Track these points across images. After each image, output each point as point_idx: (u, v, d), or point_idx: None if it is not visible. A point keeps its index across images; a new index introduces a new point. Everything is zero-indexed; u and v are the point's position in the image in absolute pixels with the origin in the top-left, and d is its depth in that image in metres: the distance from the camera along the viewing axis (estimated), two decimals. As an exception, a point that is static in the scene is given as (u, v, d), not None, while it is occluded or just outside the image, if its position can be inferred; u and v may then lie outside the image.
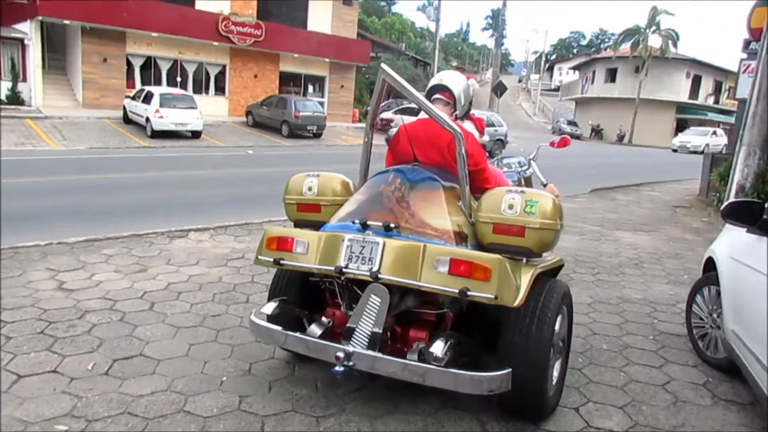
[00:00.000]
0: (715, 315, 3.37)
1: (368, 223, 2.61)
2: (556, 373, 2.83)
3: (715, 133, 33.85)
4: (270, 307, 2.78)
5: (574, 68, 53.90)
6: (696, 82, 42.04)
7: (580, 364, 3.38)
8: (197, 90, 23.67)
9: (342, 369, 2.44)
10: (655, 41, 39.47)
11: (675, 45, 39.65)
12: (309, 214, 3.11)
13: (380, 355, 2.43)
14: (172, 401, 2.79)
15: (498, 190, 2.63)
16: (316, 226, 2.93)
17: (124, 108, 19.28)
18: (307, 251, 2.68)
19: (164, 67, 23.18)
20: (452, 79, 3.04)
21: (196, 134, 17.97)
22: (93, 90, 21.38)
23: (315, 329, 2.76)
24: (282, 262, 2.74)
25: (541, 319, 2.49)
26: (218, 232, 6.33)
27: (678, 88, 41.11)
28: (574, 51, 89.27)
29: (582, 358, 3.48)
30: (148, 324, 3.72)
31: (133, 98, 18.87)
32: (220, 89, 24.79)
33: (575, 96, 49.40)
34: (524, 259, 2.54)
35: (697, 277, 3.98)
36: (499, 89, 27.38)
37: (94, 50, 21.15)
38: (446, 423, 2.70)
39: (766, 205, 2.74)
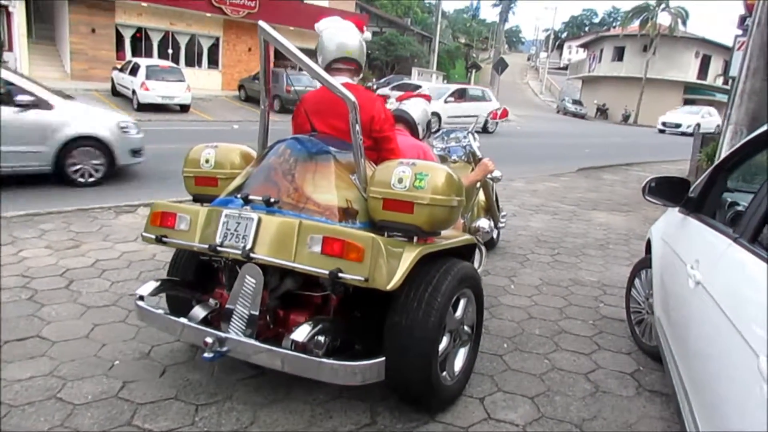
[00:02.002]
0: (650, 299, 3.12)
1: (250, 197, 2.39)
2: (460, 362, 2.61)
3: (708, 112, 30.90)
4: (147, 288, 2.57)
5: (582, 46, 52.84)
6: (705, 62, 41.02)
7: (504, 350, 3.16)
8: (190, 63, 23.32)
9: (211, 355, 2.24)
10: (664, 19, 38.47)
11: (684, 23, 38.63)
12: (207, 188, 2.88)
13: (244, 339, 2.24)
14: (48, 387, 2.61)
15: (390, 163, 2.38)
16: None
17: (112, 80, 18.97)
18: (189, 228, 2.47)
19: (155, 39, 22.77)
20: (352, 46, 2.73)
21: (184, 108, 17.62)
22: (81, 61, 21.03)
23: (199, 311, 2.55)
24: (164, 239, 2.52)
25: (430, 303, 2.25)
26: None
27: (686, 68, 40.18)
28: (586, 29, 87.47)
29: (509, 343, 3.26)
30: (58, 303, 3.52)
31: (120, 70, 18.49)
32: (213, 62, 24.39)
33: (582, 75, 48.48)
34: (414, 239, 2.30)
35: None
36: (500, 66, 26.77)
37: (82, 20, 20.73)
38: (336, 413, 2.49)
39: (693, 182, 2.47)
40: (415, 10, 54.62)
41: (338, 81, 2.58)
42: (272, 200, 2.33)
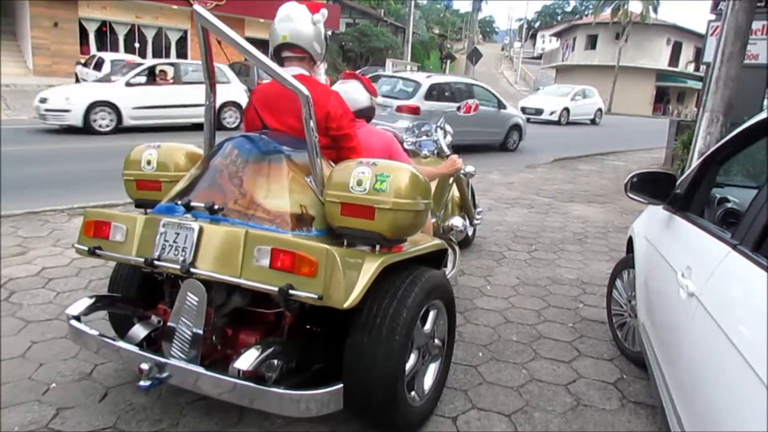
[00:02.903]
0: (633, 302, 2.94)
1: (192, 204, 2.12)
2: (430, 379, 2.39)
3: (582, 94, 23.60)
4: (80, 306, 2.29)
5: (555, 35, 52.97)
6: (676, 49, 41.40)
7: (480, 360, 2.95)
8: (157, 56, 22.62)
9: (148, 384, 1.98)
10: (635, 6, 38.68)
11: (656, 10, 38.86)
12: (149, 193, 2.58)
13: (185, 365, 1.98)
14: (-29, 418, 2.32)
15: (348, 163, 2.13)
16: None
17: (76, 75, 18.28)
18: (125, 239, 2.19)
19: (121, 33, 22.09)
20: (298, 32, 2.41)
21: (151, 103, 17.12)
22: (44, 56, 20.30)
23: (139, 331, 2.30)
24: (98, 251, 2.24)
25: (395, 319, 2.02)
26: (129, 209, 5.77)
27: (658, 56, 40.50)
28: (558, 18, 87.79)
29: (484, 351, 3.05)
30: (-5, 317, 3.21)
31: (84, 65, 17.85)
32: (181, 56, 23.66)
33: (556, 64, 48.59)
34: (377, 247, 2.06)
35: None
36: (474, 56, 26.59)
37: (43, 13, 19.98)
38: (294, 440, 2.26)
39: (679, 177, 2.28)
40: (389, 1, 54.16)
41: (290, 72, 2.33)
42: (216, 207, 2.07)
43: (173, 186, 2.41)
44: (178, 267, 1.99)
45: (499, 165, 9.76)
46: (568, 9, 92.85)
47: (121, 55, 18.92)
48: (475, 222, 4.79)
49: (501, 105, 12.22)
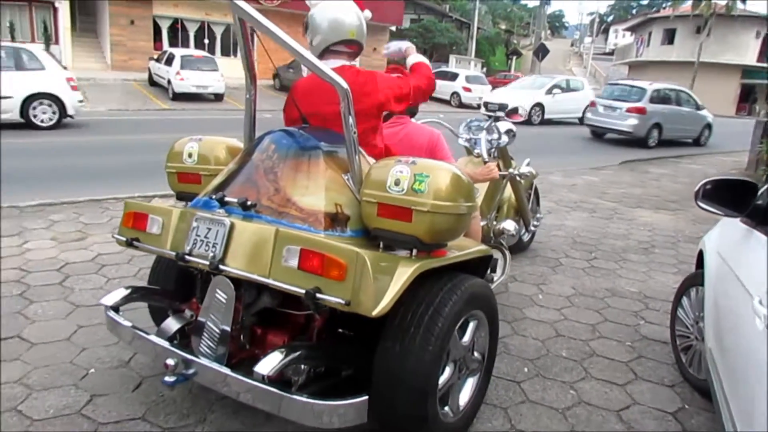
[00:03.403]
0: (701, 323, 2.66)
1: (226, 199, 2.06)
2: (466, 394, 2.24)
3: (564, 86, 19.25)
4: (114, 296, 2.28)
5: (629, 29, 50.62)
6: (766, 43, 38.51)
7: (524, 376, 2.76)
8: (225, 52, 23.29)
9: (173, 379, 1.94)
10: (720, -3, 36.33)
11: (743, 1, 36.30)
12: (190, 185, 2.56)
13: (210, 364, 1.93)
14: (12, 397, 2.39)
15: (387, 161, 2.01)
16: None
17: (149, 70, 19.09)
18: (161, 231, 2.17)
19: (192, 29, 22.87)
20: (362, 28, 2.37)
21: (218, 97, 17.59)
22: (121, 52, 21.32)
23: (171, 324, 2.27)
24: (135, 243, 2.23)
25: (429, 328, 1.88)
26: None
27: (744, 50, 37.72)
28: (633, 11, 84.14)
29: (530, 366, 2.85)
30: (47, 300, 3.32)
31: (157, 60, 18.62)
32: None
33: (629, 60, 46.46)
34: (413, 252, 1.93)
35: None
36: (540, 52, 25.81)
37: (121, 12, 20.99)
38: (321, 447, 2.15)
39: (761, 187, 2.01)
40: (454, -4, 53.55)
41: (333, 65, 2.24)
42: (249, 203, 2.00)
43: (212, 179, 2.37)
44: (207, 263, 1.93)
45: (563, 166, 9.36)
46: (644, 2, 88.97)
47: (191, 50, 19.58)
48: (532, 227, 4.57)
49: (698, 107, 15.03)
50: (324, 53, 2.35)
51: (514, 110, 3.77)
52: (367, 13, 2.42)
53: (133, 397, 2.44)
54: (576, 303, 3.74)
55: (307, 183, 2.03)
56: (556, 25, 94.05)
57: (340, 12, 2.33)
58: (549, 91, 18.69)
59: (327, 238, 1.88)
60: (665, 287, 4.14)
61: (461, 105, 22.99)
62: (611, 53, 61.09)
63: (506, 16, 67.54)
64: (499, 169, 3.70)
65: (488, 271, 3.25)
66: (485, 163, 3.08)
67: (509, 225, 3.57)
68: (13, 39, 19.99)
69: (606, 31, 79.72)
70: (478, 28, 34.30)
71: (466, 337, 2.15)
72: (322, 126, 2.28)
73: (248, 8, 1.99)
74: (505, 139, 3.59)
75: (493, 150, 3.65)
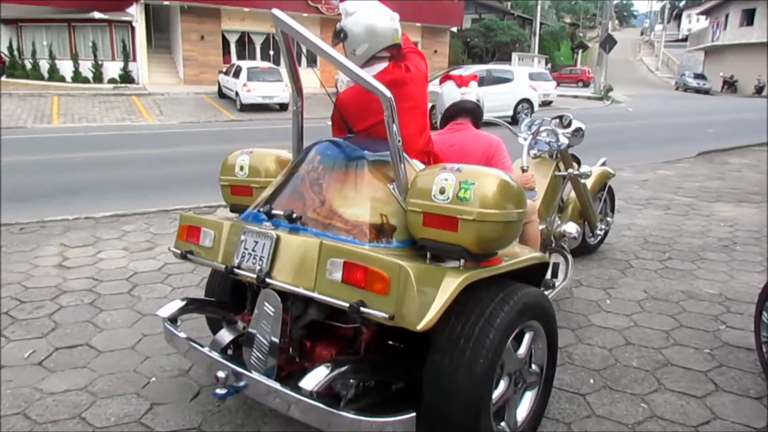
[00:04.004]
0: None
1: (273, 211, 2.07)
2: (525, 409, 2.12)
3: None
4: (171, 308, 2.33)
5: (704, 13, 47.76)
6: None
7: (590, 388, 2.59)
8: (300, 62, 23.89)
9: (224, 392, 1.95)
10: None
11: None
12: (242, 198, 2.61)
13: (260, 377, 1.93)
14: (77, 404, 2.49)
15: (432, 169, 1.95)
16: None
17: (219, 83, 19.86)
18: (213, 244, 2.20)
19: (258, 42, 23.71)
20: (393, 29, 2.31)
21: (283, 106, 18.05)
22: (193, 66, 22.34)
23: (224, 336, 2.30)
24: (189, 256, 2.28)
25: (480, 339, 1.79)
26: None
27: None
28: (709, -6, 79.69)
29: (596, 378, 2.68)
30: (116, 309, 3.47)
31: (225, 73, 19.37)
32: (312, 60, 24.40)
33: (704, 45, 43.88)
34: (460, 262, 1.85)
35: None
36: (607, 44, 24.84)
37: (192, 28, 22.05)
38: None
39: None
40: (516, -7, 52.51)
41: (378, 68, 2.21)
42: (295, 215, 1.99)
43: (262, 191, 2.39)
44: (255, 276, 1.94)
45: (633, 160, 8.92)
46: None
47: (257, 62, 20.21)
48: (599, 230, 4.34)
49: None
50: (368, 60, 2.31)
51: (565, 120, 3.57)
52: (395, 15, 2.36)
53: (191, 406, 2.48)
54: (648, 308, 3.51)
55: (352, 194, 2.00)
56: (624, 14, 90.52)
57: (381, 18, 2.27)
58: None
59: (372, 250, 1.83)
60: (749, 288, 3.81)
61: (525, 103, 22.46)
62: (685, 39, 58.01)
63: (571, 9, 65.50)
64: (559, 170, 3.54)
65: (549, 276, 3.10)
66: (523, 171, 2.92)
67: (570, 227, 3.40)
68: (95, 58, 21.47)
69: (678, 17, 75.90)
70: (541, 24, 33.43)
71: (522, 349, 2.03)
72: (367, 134, 2.24)
73: (290, 21, 1.99)
74: (563, 140, 3.42)
75: (548, 152, 3.50)
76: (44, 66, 21.64)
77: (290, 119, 2.56)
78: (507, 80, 16.07)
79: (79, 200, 6.42)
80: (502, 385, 1.96)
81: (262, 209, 2.12)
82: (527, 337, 2.05)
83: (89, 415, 2.40)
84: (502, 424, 2.01)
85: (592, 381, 2.65)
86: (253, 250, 2.00)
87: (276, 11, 2.03)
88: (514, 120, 14.08)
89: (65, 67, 21.65)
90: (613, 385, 2.62)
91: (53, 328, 3.18)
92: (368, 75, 1.99)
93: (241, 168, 2.60)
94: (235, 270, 2.03)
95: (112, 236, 4.92)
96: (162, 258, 4.40)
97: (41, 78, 21.32)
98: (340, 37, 2.30)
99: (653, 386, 2.62)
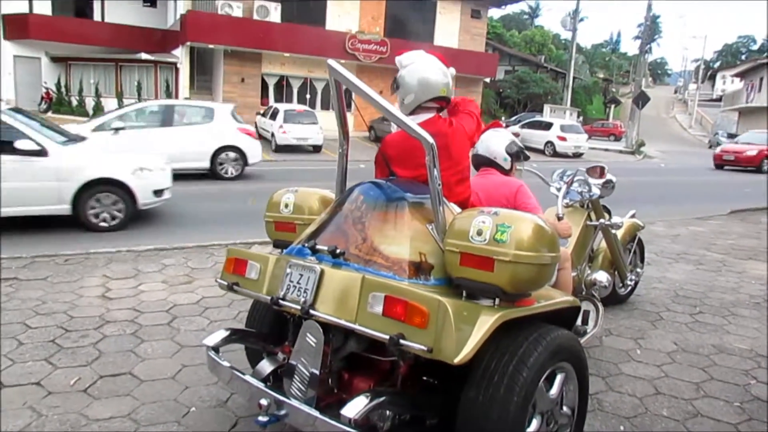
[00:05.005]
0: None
1: (317, 247, 2.20)
2: (554, 450, 2.17)
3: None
4: (215, 337, 2.45)
5: (738, 75, 47.94)
6: None
7: (619, 436, 2.62)
8: (325, 106, 24.56)
9: (266, 420, 2.05)
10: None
11: None
12: (286, 234, 2.75)
13: (302, 406, 2.01)
14: (121, 430, 2.58)
15: (470, 212, 2.08)
16: None
17: (255, 124, 20.46)
18: (258, 277, 2.34)
19: (295, 86, 24.44)
20: (450, 85, 2.51)
21: (316, 148, 18.52)
22: (234, 107, 23.10)
23: (265, 366, 2.41)
24: (235, 287, 2.42)
25: (514, 377, 1.88)
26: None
27: None
28: (743, 57, 79.89)
29: (626, 425, 2.70)
30: (156, 340, 3.59)
31: (263, 115, 20.02)
32: (347, 105, 25.45)
33: (739, 106, 43.81)
34: (495, 301, 1.95)
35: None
36: (640, 100, 25.06)
37: (234, 71, 22.92)
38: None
39: None
40: (550, 47, 53.48)
41: (422, 118, 2.37)
42: (338, 251, 2.13)
43: (306, 228, 2.53)
44: (299, 308, 2.05)
45: (665, 215, 8.90)
46: (754, 47, 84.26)
47: (294, 105, 20.87)
48: (629, 281, 4.39)
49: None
50: (415, 110, 2.49)
51: (598, 168, 3.69)
52: (452, 70, 2.53)
53: (228, 436, 2.57)
54: (678, 359, 3.51)
55: (393, 232, 2.13)
56: (658, 72, 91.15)
57: (430, 71, 2.46)
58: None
59: (411, 285, 1.94)
60: (781, 346, 3.79)
61: (555, 154, 22.61)
62: (719, 99, 57.94)
63: (604, 65, 66.37)
64: (590, 220, 3.63)
65: (580, 323, 3.16)
66: (559, 218, 3.02)
67: (601, 276, 3.47)
68: (139, 96, 22.45)
69: (713, 78, 76.16)
70: (574, 78, 33.88)
71: (554, 390, 2.10)
72: (408, 178, 2.39)
73: (343, 71, 2.17)
74: (595, 191, 3.53)
75: (580, 202, 3.60)
76: (90, 103, 22.60)
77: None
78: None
79: (121, 233, 6.68)
80: (535, 423, 2.03)
81: (306, 244, 2.25)
82: (559, 378, 2.12)
83: (132, 442, 2.51)
84: (534, 464, 2.06)
85: (622, 428, 2.68)
86: (298, 283, 2.13)
87: (331, 62, 2.22)
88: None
89: (110, 105, 22.49)
90: (643, 434, 2.65)
91: (97, 356, 3.30)
92: (413, 122, 2.15)
93: (286, 206, 2.75)
94: (280, 301, 2.15)
95: (152, 269, 5.10)
96: (200, 292, 4.56)
97: (86, 114, 22.18)
98: (394, 87, 2.48)
99: (683, 437, 2.63)
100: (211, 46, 22.43)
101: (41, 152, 6.34)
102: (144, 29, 24.28)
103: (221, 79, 23.14)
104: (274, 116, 18.57)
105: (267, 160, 17.06)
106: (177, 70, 23.09)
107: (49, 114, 21.15)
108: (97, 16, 24.58)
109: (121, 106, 22.09)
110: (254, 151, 12.29)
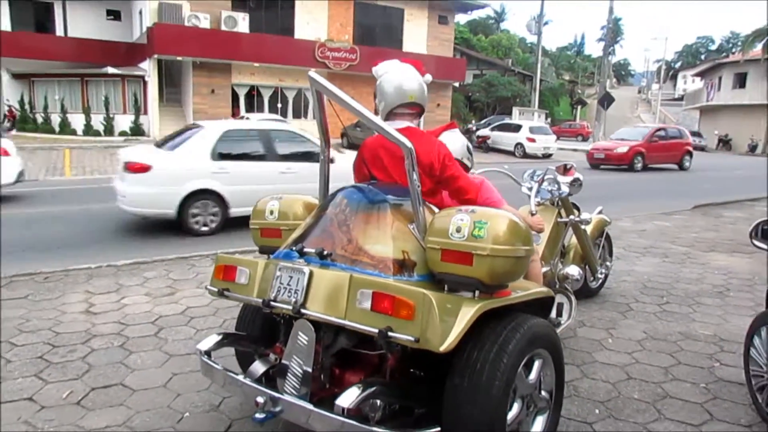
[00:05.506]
0: (774, 362, 2.63)
1: (305, 250, 2.32)
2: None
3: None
4: (208, 342, 2.55)
5: (698, 75, 49.50)
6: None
7: (595, 417, 2.80)
8: (297, 115, 24.63)
9: (263, 416, 2.15)
10: (794, 40, 35.00)
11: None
12: (272, 240, 2.85)
13: (296, 401, 2.13)
14: (119, 438, 2.65)
15: (449, 210, 2.22)
16: None
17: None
18: (248, 281, 2.44)
19: (266, 95, 24.41)
20: (420, 91, 2.64)
21: (287, 157, 18.53)
22: (203, 119, 22.88)
23: (258, 367, 2.50)
24: (225, 293, 2.51)
25: (495, 364, 2.02)
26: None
27: (821, 90, 36.03)
28: (702, 57, 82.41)
29: (601, 408, 2.88)
30: (145, 351, 3.65)
31: (234, 126, 19.91)
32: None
33: (700, 105, 45.25)
34: (476, 293, 2.10)
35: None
36: (605, 100, 25.69)
37: (203, 82, 22.78)
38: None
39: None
40: (516, 50, 54.37)
41: (397, 125, 2.50)
42: (326, 253, 2.25)
43: (291, 233, 2.64)
44: (290, 307, 2.17)
45: (632, 211, 9.22)
46: (713, 47, 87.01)
47: (265, 114, 20.87)
48: (600, 274, 4.59)
49: None
50: (389, 116, 2.63)
51: (567, 166, 3.90)
52: (428, 77, 2.68)
53: (225, 438, 2.66)
54: (647, 347, 3.72)
55: (377, 233, 2.25)
56: (622, 73, 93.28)
57: (402, 78, 2.61)
58: None
59: (396, 281, 2.08)
60: (742, 330, 3.96)
61: (525, 155, 23.04)
62: (680, 99, 59.68)
63: (570, 67, 67.66)
64: (561, 217, 3.82)
65: (554, 315, 3.34)
66: (532, 214, 3.19)
67: (572, 270, 3.65)
68: (107, 111, 22.17)
69: (674, 77, 78.44)
70: (541, 80, 34.58)
71: (533, 375, 2.26)
72: (388, 181, 2.52)
73: (323, 81, 2.30)
74: (565, 189, 3.72)
75: (550, 200, 3.78)
76: (56, 120, 22.24)
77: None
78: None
79: (99, 249, 6.64)
80: (516, 407, 2.17)
81: (294, 248, 2.36)
82: (537, 364, 2.27)
83: (132, 447, 2.58)
84: (516, 446, 2.21)
85: (597, 411, 2.85)
86: (288, 285, 2.24)
87: (312, 73, 2.36)
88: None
89: (77, 121, 22.26)
90: (617, 414, 2.83)
91: (87, 369, 3.34)
92: (390, 127, 2.29)
93: (271, 212, 2.86)
94: (272, 303, 2.26)
95: (134, 283, 5.12)
96: (184, 302, 4.61)
97: (52, 131, 21.87)
98: (375, 96, 2.63)
99: (654, 416, 2.82)
100: (179, 58, 22.26)
101: None
102: (109, 43, 24.02)
103: (191, 91, 22.99)
104: (245, 126, 18.53)
105: (240, 171, 17.08)
106: (145, 83, 22.90)
107: (14, 132, 20.74)
108: (59, 31, 24.22)
109: (88, 121, 21.90)
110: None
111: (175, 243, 6.94)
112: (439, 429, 1.96)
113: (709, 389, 3.12)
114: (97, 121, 22.25)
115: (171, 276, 5.35)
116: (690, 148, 21.10)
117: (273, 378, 2.43)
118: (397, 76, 2.62)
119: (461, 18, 44.54)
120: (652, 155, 19.65)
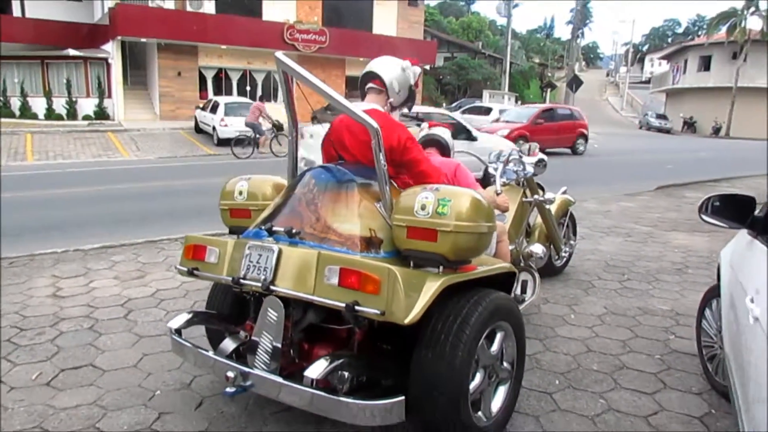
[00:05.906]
0: (722, 332, 2.78)
1: (273, 228, 2.36)
2: (498, 401, 2.42)
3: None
4: (179, 320, 2.58)
5: (665, 58, 50.42)
6: (805, 65, 37.72)
7: (555, 387, 2.92)
8: (266, 98, 24.29)
9: (233, 390, 2.20)
10: (754, 23, 35.95)
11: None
12: (241, 220, 2.88)
13: (266, 374, 2.18)
14: (90, 416, 2.68)
15: (414, 189, 2.28)
16: None
17: (195, 118, 20.11)
18: (218, 260, 2.47)
19: (235, 78, 24.01)
20: (383, 65, 2.70)
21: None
22: (169, 102, 22.51)
23: (228, 344, 2.55)
24: (195, 272, 2.54)
25: (458, 336, 2.10)
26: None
27: (783, 73, 37.13)
28: (669, 40, 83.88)
29: (561, 379, 3.01)
30: (114, 333, 3.65)
31: (202, 108, 19.64)
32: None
33: (666, 87, 46.15)
34: (440, 268, 2.17)
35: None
36: (574, 83, 26.03)
37: (169, 65, 22.28)
38: (366, 453, 2.37)
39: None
40: (486, 33, 54.50)
41: (363, 107, 2.54)
42: (294, 231, 2.29)
43: (261, 213, 2.68)
44: (260, 285, 2.21)
45: (598, 193, 9.44)
46: (679, 30, 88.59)
47: (234, 98, 20.56)
48: (564, 252, 4.73)
49: None
50: (362, 97, 2.68)
51: (531, 148, 4.03)
52: (416, 69, 2.74)
53: (197, 414, 2.70)
54: (607, 321, 3.87)
55: (344, 211, 2.31)
56: (591, 56, 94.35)
57: (374, 60, 2.69)
58: None
59: (363, 258, 2.14)
60: (697, 305, 4.20)
61: (495, 138, 23.21)
62: (647, 82, 60.72)
63: (539, 50, 68.13)
64: (526, 196, 3.92)
65: (519, 292, 3.45)
66: (497, 194, 3.28)
67: (537, 248, 3.76)
68: (69, 95, 21.53)
69: (642, 60, 79.68)
70: (511, 63, 34.82)
71: (495, 347, 2.35)
72: (355, 161, 2.57)
73: (290, 62, 2.32)
74: (529, 170, 3.82)
75: (516, 180, 3.88)
76: (15, 103, 21.52)
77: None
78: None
79: (64, 234, 6.54)
80: (478, 377, 2.27)
81: (263, 227, 2.40)
82: (499, 336, 2.37)
83: (103, 425, 2.60)
84: (479, 413, 2.31)
85: (557, 382, 2.98)
86: (257, 263, 2.28)
87: (279, 54, 2.38)
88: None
89: (38, 105, 21.58)
90: (576, 385, 2.96)
91: (56, 351, 3.34)
92: (357, 108, 2.33)
93: (240, 193, 2.89)
94: (241, 281, 2.30)
95: (102, 266, 5.09)
96: (154, 285, 4.60)
97: (12, 116, 21.15)
98: None
99: (611, 385, 2.96)
100: (143, 39, 21.72)
101: None
102: (69, 24, 23.18)
103: (156, 73, 22.48)
104: (214, 110, 18.28)
105: (210, 154, 16.88)
106: (109, 65, 22.29)
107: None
108: (16, 11, 23.34)
109: (49, 105, 21.24)
110: None
111: (143, 227, 6.87)
112: (403, 398, 2.04)
113: (664, 360, 3.28)
114: (59, 105, 21.58)
115: (140, 260, 5.33)
116: (584, 131, 19.66)
117: (243, 355, 2.48)
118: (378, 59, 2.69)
119: (431, 0, 44.47)
120: (537, 138, 19.06)
